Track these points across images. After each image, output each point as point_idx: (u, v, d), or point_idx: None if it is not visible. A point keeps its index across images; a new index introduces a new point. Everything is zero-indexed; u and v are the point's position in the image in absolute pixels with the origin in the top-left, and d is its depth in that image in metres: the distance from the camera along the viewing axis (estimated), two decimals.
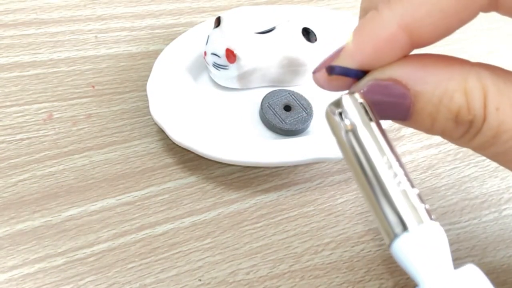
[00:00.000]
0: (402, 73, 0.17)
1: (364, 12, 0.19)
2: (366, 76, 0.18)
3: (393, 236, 0.15)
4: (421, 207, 0.15)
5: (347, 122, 0.16)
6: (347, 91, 0.17)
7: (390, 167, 0.15)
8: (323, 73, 0.18)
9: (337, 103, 0.16)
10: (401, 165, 0.15)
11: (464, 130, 0.17)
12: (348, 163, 0.16)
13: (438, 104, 0.17)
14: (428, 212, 0.15)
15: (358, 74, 0.18)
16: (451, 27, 0.17)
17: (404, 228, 0.14)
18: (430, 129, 0.18)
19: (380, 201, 0.15)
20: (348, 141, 0.15)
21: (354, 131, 0.15)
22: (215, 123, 0.32)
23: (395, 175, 0.15)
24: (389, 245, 0.15)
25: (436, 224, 0.15)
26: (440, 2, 0.17)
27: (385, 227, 0.15)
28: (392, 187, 0.15)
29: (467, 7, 0.17)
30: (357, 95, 0.16)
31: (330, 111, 0.16)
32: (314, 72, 0.19)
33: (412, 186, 0.15)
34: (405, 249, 0.14)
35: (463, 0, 0.17)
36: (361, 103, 0.16)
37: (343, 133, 0.16)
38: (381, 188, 0.15)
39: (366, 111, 0.16)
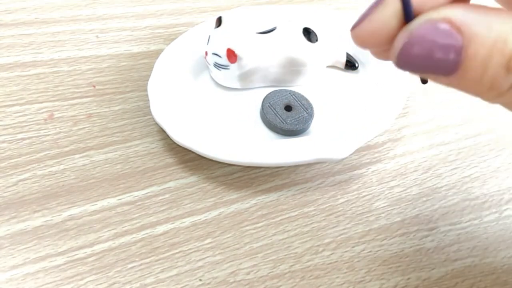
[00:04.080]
0: (456, 13, 0.17)
1: None
2: (418, 17, 0.17)
3: None
4: None
5: None
6: None
7: None
8: (365, 25, 0.18)
9: None
10: None
11: None
12: None
13: (492, 47, 0.17)
14: None
15: (408, 18, 0.18)
16: None
17: None
18: (478, 80, 0.17)
19: None
20: None
21: None
22: (216, 123, 0.32)
23: None
24: None
25: None
26: None
27: None
28: None
29: None
30: None
31: None
32: (353, 28, 0.18)
33: None
34: None
35: None
36: None
37: None
38: None
39: None
